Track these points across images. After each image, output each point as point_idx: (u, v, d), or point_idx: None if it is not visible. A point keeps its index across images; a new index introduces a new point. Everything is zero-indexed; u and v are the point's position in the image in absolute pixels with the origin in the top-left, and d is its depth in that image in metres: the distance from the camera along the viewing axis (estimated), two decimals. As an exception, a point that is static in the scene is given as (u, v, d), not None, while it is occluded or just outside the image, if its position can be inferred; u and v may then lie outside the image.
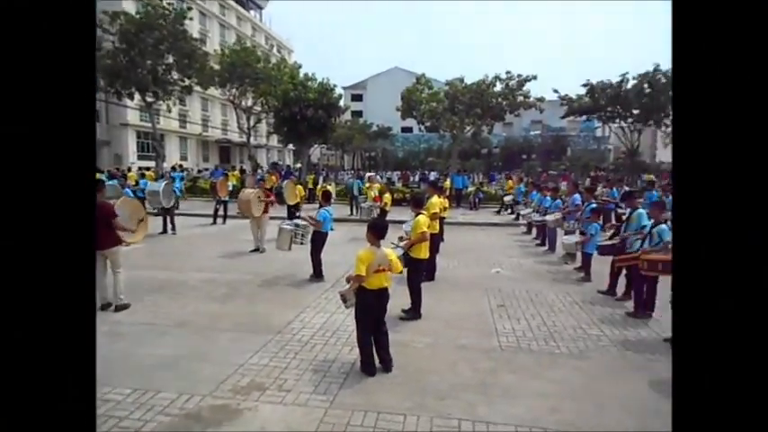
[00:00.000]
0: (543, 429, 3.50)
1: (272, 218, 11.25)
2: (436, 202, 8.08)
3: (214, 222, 14.83)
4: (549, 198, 11.87)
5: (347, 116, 42.48)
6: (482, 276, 8.45)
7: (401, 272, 4.58)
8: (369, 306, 4.35)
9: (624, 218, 7.47)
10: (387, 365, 4.42)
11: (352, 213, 17.01)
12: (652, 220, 6.31)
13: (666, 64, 26.55)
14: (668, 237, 5.91)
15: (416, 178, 30.35)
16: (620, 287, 7.09)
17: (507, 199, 18.04)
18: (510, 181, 20.35)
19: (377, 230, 4.49)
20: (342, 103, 27.82)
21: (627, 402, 3.92)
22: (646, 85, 26.69)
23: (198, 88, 30.18)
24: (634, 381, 4.33)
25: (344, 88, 58.69)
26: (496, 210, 18.76)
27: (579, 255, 8.63)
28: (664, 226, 6.08)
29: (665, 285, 5.53)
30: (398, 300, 6.09)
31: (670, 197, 11.95)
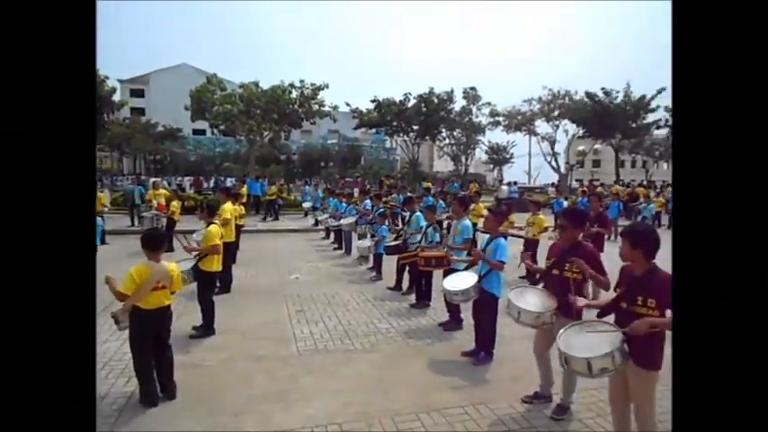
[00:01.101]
0: (338, 424, 3.64)
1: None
2: (228, 208, 7.75)
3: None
4: (344, 204, 12.55)
5: (126, 113, 37.21)
6: (281, 283, 8.39)
7: (174, 294, 4.13)
8: (146, 328, 3.83)
9: (406, 220, 8.42)
10: (170, 393, 3.97)
11: (133, 224, 14.92)
12: (427, 222, 7.25)
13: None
14: (438, 237, 6.91)
15: (211, 184, 28.52)
16: (406, 282, 7.93)
17: (306, 206, 18.50)
18: (273, 187, 20.41)
19: (152, 242, 3.99)
20: (117, 97, 24.10)
21: (409, 384, 4.40)
22: (423, 105, 30.79)
23: None
24: (416, 365, 4.88)
25: (121, 81, 51.16)
26: (262, 217, 18.44)
27: (372, 256, 9.35)
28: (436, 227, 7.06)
29: (439, 278, 6.40)
30: (190, 317, 5.62)
31: (440, 202, 13.96)
